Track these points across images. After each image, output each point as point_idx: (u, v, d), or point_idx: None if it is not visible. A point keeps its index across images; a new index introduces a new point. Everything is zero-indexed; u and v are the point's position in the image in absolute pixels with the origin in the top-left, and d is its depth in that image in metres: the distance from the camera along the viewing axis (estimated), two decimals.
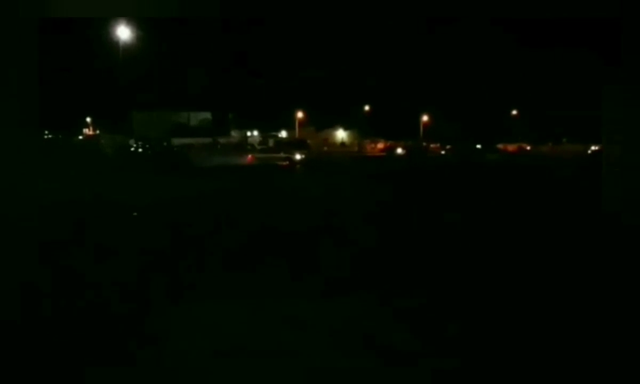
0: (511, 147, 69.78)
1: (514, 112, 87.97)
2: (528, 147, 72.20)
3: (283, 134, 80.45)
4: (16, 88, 8.03)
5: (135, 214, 13.96)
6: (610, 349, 5.22)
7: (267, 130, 78.67)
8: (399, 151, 66.96)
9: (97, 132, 73.68)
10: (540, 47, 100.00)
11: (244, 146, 63.38)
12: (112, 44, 49.15)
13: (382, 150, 69.82)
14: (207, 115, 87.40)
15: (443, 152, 67.67)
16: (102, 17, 41.19)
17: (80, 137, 72.32)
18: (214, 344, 5.23)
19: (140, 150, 54.62)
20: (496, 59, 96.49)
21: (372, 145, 74.55)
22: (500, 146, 69.22)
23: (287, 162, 35.33)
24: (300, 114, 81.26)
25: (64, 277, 7.65)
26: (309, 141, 65.06)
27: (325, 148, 68.52)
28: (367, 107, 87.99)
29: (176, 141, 64.23)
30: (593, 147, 66.90)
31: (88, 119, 78.96)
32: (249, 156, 38.10)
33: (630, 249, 8.81)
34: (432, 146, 74.30)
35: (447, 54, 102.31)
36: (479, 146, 65.56)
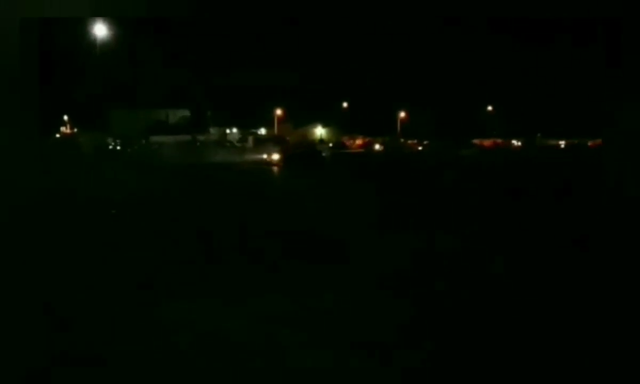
0: (487, 143, 71.13)
1: (490, 108, 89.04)
2: (499, 141, 73.66)
3: (262, 131, 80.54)
4: (16, 88, 8.18)
5: (113, 211, 14.30)
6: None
7: (246, 127, 78.71)
8: (377, 146, 67.91)
9: (75, 130, 73.16)
10: (519, 41, 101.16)
11: (223, 143, 63.50)
12: (89, 41, 48.98)
13: (360, 146, 70.46)
14: (185, 112, 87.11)
15: (420, 148, 68.43)
16: (82, 17, 41.05)
17: (58, 135, 71.73)
18: (201, 340, 5.52)
19: (118, 148, 54.59)
20: (474, 54, 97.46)
21: (351, 141, 75.05)
22: (476, 141, 70.36)
23: None
24: (279, 111, 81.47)
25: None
26: (287, 138, 65.37)
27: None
28: (345, 104, 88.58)
29: (154, 139, 64.15)
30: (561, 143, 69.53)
31: (65, 118, 78.26)
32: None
33: None
34: (409, 142, 75.03)
35: (425, 50, 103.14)
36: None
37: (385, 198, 17.00)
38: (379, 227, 11.66)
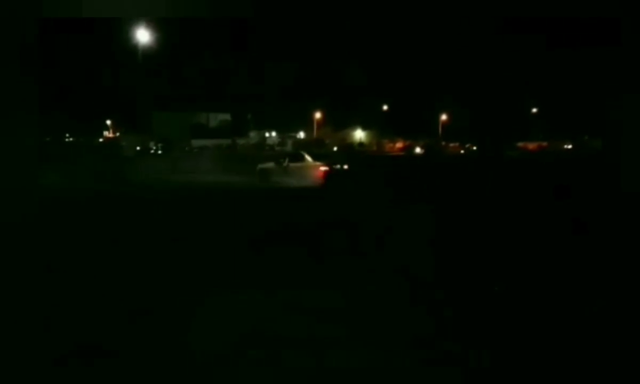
0: (531, 146, 69.53)
1: (534, 110, 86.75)
2: (544, 144, 71.85)
3: (301, 134, 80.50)
4: (16, 88, 7.97)
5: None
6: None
7: (285, 130, 78.72)
8: (418, 150, 67.08)
9: (117, 134, 74.39)
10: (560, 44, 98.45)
11: (262, 146, 63.64)
12: (131, 46, 49.53)
13: (400, 149, 69.71)
14: (226, 116, 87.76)
15: (462, 151, 67.31)
16: (118, 17, 41.56)
17: (101, 139, 73.08)
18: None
19: (160, 152, 55.01)
20: (515, 56, 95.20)
21: (391, 144, 74.37)
22: (520, 144, 68.77)
23: None
24: (318, 115, 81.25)
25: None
26: (327, 141, 65.22)
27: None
28: (385, 107, 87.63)
29: (195, 143, 64.72)
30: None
31: (108, 122, 79.81)
32: None
33: None
34: (451, 145, 73.90)
35: (465, 52, 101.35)
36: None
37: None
38: None
